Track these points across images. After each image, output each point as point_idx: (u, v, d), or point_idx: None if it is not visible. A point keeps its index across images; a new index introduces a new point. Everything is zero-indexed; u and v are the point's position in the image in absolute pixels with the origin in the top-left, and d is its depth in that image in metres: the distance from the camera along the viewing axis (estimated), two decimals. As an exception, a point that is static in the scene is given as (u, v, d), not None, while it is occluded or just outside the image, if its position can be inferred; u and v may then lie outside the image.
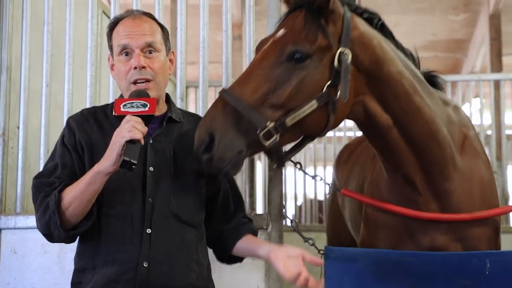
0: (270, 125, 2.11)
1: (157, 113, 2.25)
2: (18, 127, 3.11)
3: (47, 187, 2.19)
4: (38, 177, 2.26)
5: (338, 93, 2.19)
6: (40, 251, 2.87)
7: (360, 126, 2.45)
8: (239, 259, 2.41)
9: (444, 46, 13.25)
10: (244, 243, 2.33)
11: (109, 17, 3.45)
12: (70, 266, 2.82)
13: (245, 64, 2.93)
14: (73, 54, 3.12)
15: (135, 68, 2.24)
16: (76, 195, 2.11)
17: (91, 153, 2.24)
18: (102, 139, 2.23)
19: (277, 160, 2.24)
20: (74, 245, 2.88)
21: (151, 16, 2.40)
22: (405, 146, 2.38)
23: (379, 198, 2.56)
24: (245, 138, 2.10)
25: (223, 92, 2.16)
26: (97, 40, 3.15)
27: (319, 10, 2.21)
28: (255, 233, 2.40)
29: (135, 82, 2.25)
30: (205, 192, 2.33)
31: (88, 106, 3.04)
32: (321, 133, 2.27)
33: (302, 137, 2.29)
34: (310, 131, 2.25)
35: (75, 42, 3.14)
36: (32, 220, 2.92)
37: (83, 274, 2.22)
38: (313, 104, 2.16)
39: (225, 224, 2.37)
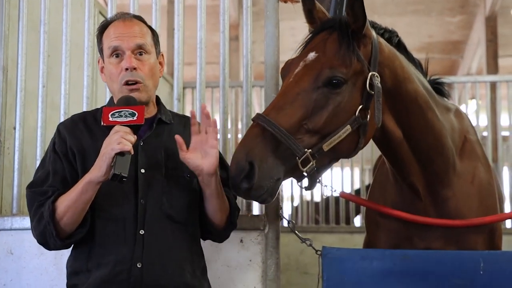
0: (308, 151, 2.10)
1: (147, 115, 2.25)
2: (15, 128, 3.10)
3: (41, 196, 2.18)
4: (31, 187, 2.25)
5: (368, 116, 2.19)
6: (37, 252, 2.86)
7: (375, 140, 2.44)
8: (227, 231, 2.36)
9: (441, 48, 13.28)
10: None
11: (106, 18, 3.44)
12: (66, 267, 2.84)
13: (242, 65, 2.92)
14: (70, 54, 3.11)
15: (126, 69, 2.24)
16: (70, 205, 2.11)
17: (82, 159, 2.24)
18: (93, 144, 2.23)
19: (311, 185, 2.21)
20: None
21: (141, 19, 2.41)
22: (413, 158, 2.40)
23: (384, 201, 2.57)
24: (283, 164, 2.09)
25: (259, 118, 2.12)
26: (94, 41, 3.12)
27: (353, 34, 2.21)
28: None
29: (126, 83, 2.25)
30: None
31: (85, 106, 3.04)
32: (350, 155, 2.27)
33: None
34: (342, 154, 2.25)
35: (71, 43, 3.13)
36: (28, 221, 2.91)
37: (77, 276, 2.22)
38: (347, 129, 2.16)
39: None
